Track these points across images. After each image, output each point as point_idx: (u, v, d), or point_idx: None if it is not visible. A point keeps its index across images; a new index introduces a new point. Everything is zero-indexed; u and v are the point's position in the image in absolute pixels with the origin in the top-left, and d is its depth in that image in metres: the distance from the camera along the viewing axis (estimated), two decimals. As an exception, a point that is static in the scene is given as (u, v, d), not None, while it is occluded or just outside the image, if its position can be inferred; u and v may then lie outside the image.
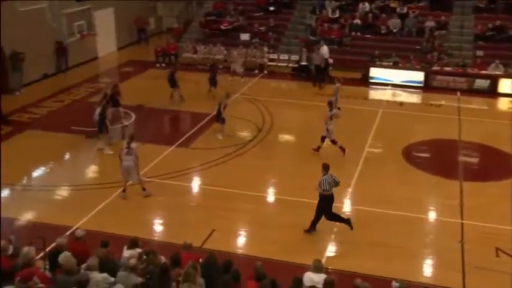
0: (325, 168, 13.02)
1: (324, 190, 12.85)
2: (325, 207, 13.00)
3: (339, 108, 19.54)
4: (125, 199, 14.63)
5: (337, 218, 13.25)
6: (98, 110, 17.76)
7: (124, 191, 14.74)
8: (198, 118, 20.34)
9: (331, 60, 25.41)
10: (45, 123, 20.09)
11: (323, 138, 17.60)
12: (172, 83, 22.01)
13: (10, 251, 9.53)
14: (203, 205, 14.67)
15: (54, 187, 15.48)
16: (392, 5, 29.27)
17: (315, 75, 25.07)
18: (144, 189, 14.87)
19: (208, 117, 20.25)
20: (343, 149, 17.49)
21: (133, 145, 14.71)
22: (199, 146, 18.12)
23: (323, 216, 13.07)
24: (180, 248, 10.05)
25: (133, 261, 8.61)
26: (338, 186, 13.09)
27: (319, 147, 17.62)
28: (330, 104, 17.69)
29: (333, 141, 17.53)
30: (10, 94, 22.65)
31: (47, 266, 9.97)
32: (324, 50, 25.35)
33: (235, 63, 25.68)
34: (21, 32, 23.04)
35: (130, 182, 14.78)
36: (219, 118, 18.84)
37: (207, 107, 20.86)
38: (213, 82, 22.92)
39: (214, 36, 29.41)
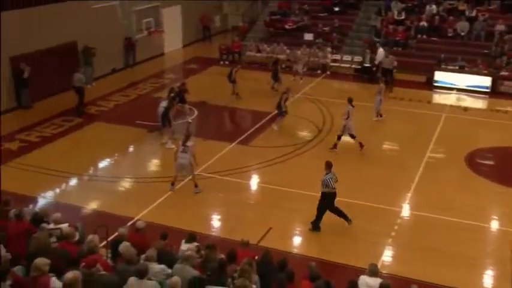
0: (328, 166, 13.12)
1: (332, 188, 12.91)
2: (329, 204, 13.10)
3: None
4: (172, 192, 14.96)
5: (338, 212, 13.31)
6: (162, 103, 18.25)
7: (173, 184, 15.06)
8: (259, 116, 20.54)
9: (395, 63, 24.96)
10: (112, 116, 20.80)
11: (339, 137, 17.84)
12: (230, 79, 22.38)
13: (76, 237, 9.99)
14: (261, 203, 14.82)
15: (118, 178, 16.02)
16: (461, 7, 28.54)
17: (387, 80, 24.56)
18: (196, 185, 15.02)
19: (269, 116, 20.41)
20: (361, 145, 17.66)
21: (190, 143, 14.83)
22: (259, 144, 18.29)
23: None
24: (236, 244, 10.23)
25: (190, 254, 8.81)
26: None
27: (335, 145, 17.79)
28: (350, 101, 17.90)
29: (352, 136, 17.71)
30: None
31: (109, 255, 10.39)
32: (380, 52, 25.34)
33: (298, 63, 25.73)
34: (93, 28, 23.95)
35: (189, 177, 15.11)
36: (278, 111, 19.26)
37: (269, 106, 21.03)
38: (275, 78, 23.16)
39: (278, 35, 29.56)
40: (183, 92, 19.63)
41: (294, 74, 25.62)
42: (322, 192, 13.09)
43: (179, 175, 15.12)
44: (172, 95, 18.63)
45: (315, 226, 13.32)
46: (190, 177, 15.17)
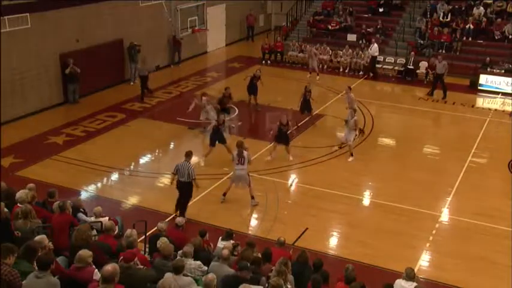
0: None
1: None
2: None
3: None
4: (222, 202, 14.53)
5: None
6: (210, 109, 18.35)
7: (224, 194, 14.58)
8: (299, 116, 20.54)
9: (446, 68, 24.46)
10: (154, 113, 21.15)
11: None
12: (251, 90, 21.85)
13: (116, 231, 10.24)
14: (298, 203, 14.86)
15: (158, 174, 16.29)
16: (510, 9, 27.88)
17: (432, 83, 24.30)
18: (252, 197, 14.48)
19: (308, 116, 20.38)
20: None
21: (246, 153, 14.24)
22: (298, 144, 18.31)
23: None
24: (272, 244, 10.30)
25: (226, 252, 8.93)
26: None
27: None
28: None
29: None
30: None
31: (147, 249, 10.60)
32: (374, 48, 25.80)
33: (312, 60, 25.79)
34: (139, 26, 24.41)
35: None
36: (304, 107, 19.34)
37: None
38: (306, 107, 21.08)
39: (321, 35, 29.48)
40: (227, 98, 19.52)
41: (310, 71, 25.53)
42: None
43: (239, 186, 14.57)
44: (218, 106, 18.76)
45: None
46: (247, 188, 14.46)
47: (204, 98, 18.80)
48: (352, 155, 17.28)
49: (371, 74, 26.36)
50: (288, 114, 18.69)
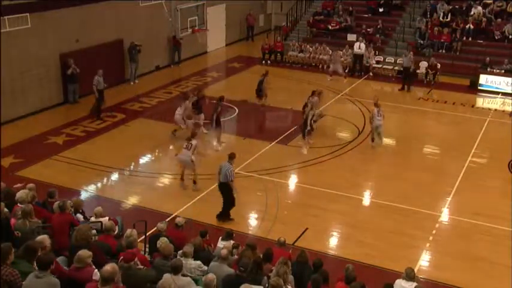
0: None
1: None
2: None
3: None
4: (183, 188, 15.19)
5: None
6: (179, 111, 18.16)
7: (182, 178, 15.34)
8: (299, 116, 20.51)
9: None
10: (154, 113, 21.15)
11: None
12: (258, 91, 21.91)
13: (116, 231, 10.24)
14: (298, 203, 14.87)
15: (158, 174, 16.30)
16: (510, 9, 27.88)
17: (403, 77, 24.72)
18: (194, 182, 15.20)
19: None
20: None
21: (194, 142, 14.95)
22: (298, 144, 18.30)
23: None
24: (272, 244, 10.30)
25: (225, 252, 8.92)
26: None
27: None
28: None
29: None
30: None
31: (147, 249, 10.60)
32: (361, 45, 26.34)
33: (337, 64, 25.69)
34: (139, 26, 24.42)
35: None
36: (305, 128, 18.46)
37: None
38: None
39: (321, 35, 29.49)
40: (201, 101, 19.05)
41: (331, 74, 25.56)
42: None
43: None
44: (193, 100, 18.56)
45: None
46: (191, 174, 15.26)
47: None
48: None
49: (371, 74, 26.37)
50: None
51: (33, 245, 7.50)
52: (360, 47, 26.47)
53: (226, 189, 13.53)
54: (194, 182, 15.25)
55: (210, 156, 17.07)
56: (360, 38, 27.22)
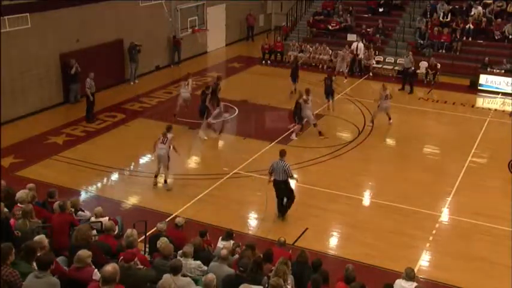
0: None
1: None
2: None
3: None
4: (155, 185, 15.26)
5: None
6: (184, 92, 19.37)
7: (156, 176, 15.30)
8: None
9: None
10: (154, 113, 21.14)
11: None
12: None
13: (116, 231, 10.25)
14: (298, 203, 14.75)
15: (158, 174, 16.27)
16: (510, 9, 27.88)
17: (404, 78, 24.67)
18: (165, 181, 15.22)
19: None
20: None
21: (170, 135, 14.99)
22: (298, 144, 18.31)
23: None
24: (272, 244, 10.30)
25: (224, 252, 8.92)
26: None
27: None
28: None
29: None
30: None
31: (147, 249, 10.60)
32: (360, 46, 26.36)
33: (343, 63, 25.74)
34: (139, 26, 24.42)
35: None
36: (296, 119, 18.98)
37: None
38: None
39: (321, 35, 29.48)
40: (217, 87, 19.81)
41: (336, 74, 25.56)
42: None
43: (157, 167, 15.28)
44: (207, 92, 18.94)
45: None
46: (165, 171, 15.18)
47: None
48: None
49: (371, 74, 26.37)
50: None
51: (32, 245, 7.50)
52: (358, 48, 26.43)
53: (285, 186, 13.60)
54: (165, 181, 15.25)
55: (211, 155, 17.01)
56: (358, 39, 27.21)
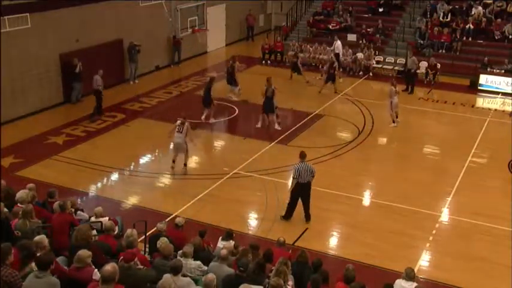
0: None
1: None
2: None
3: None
4: (172, 168, 16.04)
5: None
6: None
7: (173, 161, 16.11)
8: (299, 116, 20.58)
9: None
10: (154, 113, 21.13)
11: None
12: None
13: (116, 231, 10.25)
14: (298, 203, 14.80)
15: (158, 174, 16.28)
16: (510, 9, 27.87)
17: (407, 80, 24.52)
18: (185, 164, 16.13)
19: (309, 116, 20.41)
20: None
21: (186, 124, 15.77)
22: (298, 144, 18.28)
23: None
24: (272, 244, 10.29)
25: (224, 252, 8.92)
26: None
27: None
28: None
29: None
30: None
31: (147, 249, 10.60)
32: (337, 44, 26.42)
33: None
34: (139, 26, 24.42)
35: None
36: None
37: (309, 106, 21.16)
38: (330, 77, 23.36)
39: (321, 35, 29.48)
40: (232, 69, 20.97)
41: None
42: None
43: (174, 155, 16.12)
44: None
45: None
46: (184, 158, 16.08)
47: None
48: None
49: (371, 74, 26.36)
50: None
51: (30, 245, 7.49)
52: (336, 47, 26.54)
53: (309, 188, 13.55)
54: (185, 165, 16.10)
55: (211, 154, 17.03)
56: (336, 38, 27.04)
